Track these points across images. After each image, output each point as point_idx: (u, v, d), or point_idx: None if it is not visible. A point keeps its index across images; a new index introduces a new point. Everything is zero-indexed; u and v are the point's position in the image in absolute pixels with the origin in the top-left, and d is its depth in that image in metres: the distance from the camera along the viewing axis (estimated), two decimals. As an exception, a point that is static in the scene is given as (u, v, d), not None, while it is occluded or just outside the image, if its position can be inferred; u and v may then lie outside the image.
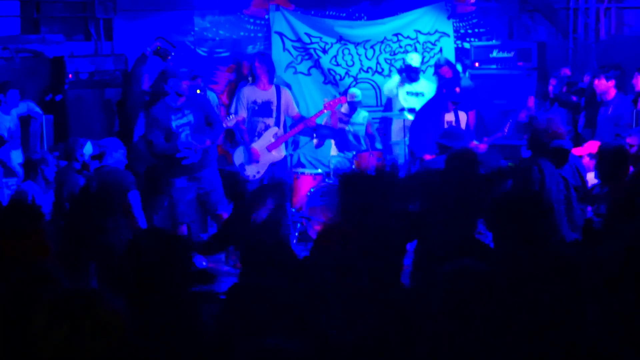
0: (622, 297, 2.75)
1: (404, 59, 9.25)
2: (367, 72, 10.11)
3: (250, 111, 7.83)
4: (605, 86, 7.68)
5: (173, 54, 8.49)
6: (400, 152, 9.17)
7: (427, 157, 7.35)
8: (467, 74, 9.42)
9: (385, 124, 9.62)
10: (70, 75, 8.77)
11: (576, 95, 8.33)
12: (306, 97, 9.94)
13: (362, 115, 9.24)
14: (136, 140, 7.61)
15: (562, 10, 9.76)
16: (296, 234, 8.17)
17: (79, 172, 6.71)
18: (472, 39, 9.95)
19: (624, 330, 2.67)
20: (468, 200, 5.51)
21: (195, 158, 7.15)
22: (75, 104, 8.81)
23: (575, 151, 6.33)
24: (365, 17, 10.16)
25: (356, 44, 10.05)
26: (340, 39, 10.02)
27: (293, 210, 8.29)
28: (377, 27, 10.07)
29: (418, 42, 9.98)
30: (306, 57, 10.06)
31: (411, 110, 8.85)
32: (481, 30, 10.03)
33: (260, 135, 7.83)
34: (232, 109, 8.00)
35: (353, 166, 8.60)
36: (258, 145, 7.79)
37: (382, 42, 10.03)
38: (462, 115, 8.10)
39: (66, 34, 9.65)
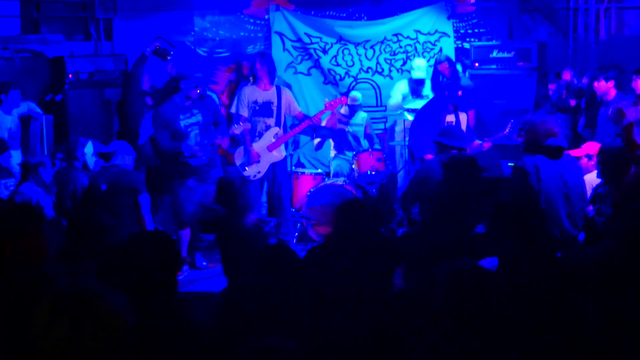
0: (616, 295, 2.75)
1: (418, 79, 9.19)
2: (367, 72, 10.11)
3: (251, 111, 7.83)
4: (605, 87, 7.68)
5: (172, 52, 8.50)
6: (400, 152, 9.20)
7: (428, 156, 7.35)
8: (467, 74, 9.42)
9: (393, 126, 9.62)
10: (70, 75, 8.77)
11: (574, 96, 8.32)
12: (306, 97, 9.94)
13: (360, 116, 9.24)
14: (143, 139, 7.60)
15: (562, 10, 9.75)
16: (296, 234, 8.18)
17: (82, 171, 6.73)
18: (472, 39, 9.94)
19: (621, 329, 2.67)
20: (467, 203, 5.52)
21: (204, 159, 7.18)
22: (75, 104, 8.81)
23: (573, 152, 6.33)
24: (365, 17, 10.16)
25: (356, 44, 10.05)
26: (340, 39, 10.02)
27: (293, 210, 8.30)
28: (377, 27, 10.07)
29: (418, 42, 9.99)
30: (306, 57, 10.06)
31: (411, 111, 8.86)
32: (481, 30, 10.03)
33: (260, 135, 7.85)
34: (233, 109, 8.00)
35: (353, 166, 8.61)
36: (258, 145, 7.80)
37: (382, 42, 10.03)
38: (463, 116, 8.10)
39: (66, 34, 9.64)
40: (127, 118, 8.43)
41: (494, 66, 9.30)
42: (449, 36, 9.96)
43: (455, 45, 9.92)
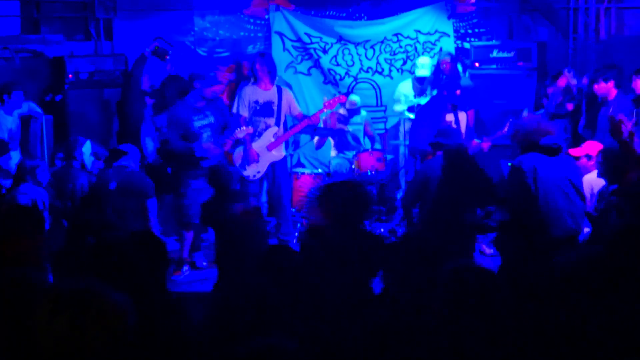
0: (613, 295, 2.75)
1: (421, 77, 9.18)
2: (367, 72, 10.11)
3: (252, 111, 7.83)
4: (606, 88, 7.67)
5: (170, 52, 8.51)
6: (401, 152, 9.20)
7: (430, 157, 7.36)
8: (467, 74, 9.41)
9: (393, 126, 9.62)
10: (70, 75, 8.77)
11: (572, 99, 8.29)
12: (306, 97, 9.94)
13: (360, 115, 9.25)
14: (143, 140, 7.61)
15: (562, 10, 9.75)
16: (296, 234, 8.17)
17: (81, 170, 6.73)
18: (472, 39, 9.94)
19: (619, 329, 2.67)
20: (465, 198, 5.52)
21: (215, 161, 7.20)
22: (75, 104, 8.81)
23: (573, 152, 6.33)
24: (365, 17, 10.16)
25: (356, 44, 10.05)
26: (341, 39, 10.02)
27: (293, 210, 8.30)
28: (377, 27, 10.07)
29: (418, 42, 9.99)
30: (306, 57, 10.06)
31: (411, 109, 8.86)
32: (481, 30, 10.03)
33: (260, 135, 7.84)
34: (234, 109, 8.00)
35: (353, 166, 8.61)
36: (258, 144, 7.80)
37: (382, 42, 10.03)
38: (462, 116, 8.10)
39: (66, 34, 9.64)
40: (127, 118, 8.44)
41: (494, 66, 9.30)
42: (449, 36, 9.96)
43: (455, 45, 9.92)
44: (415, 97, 9.04)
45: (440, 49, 9.82)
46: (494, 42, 9.73)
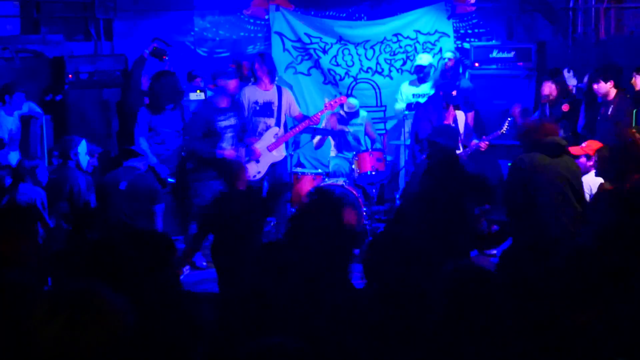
0: (607, 293, 2.75)
1: (419, 66, 9.22)
2: (367, 72, 10.11)
3: (252, 111, 7.84)
4: (605, 88, 7.67)
5: (168, 52, 8.51)
6: (401, 152, 9.21)
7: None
8: (467, 74, 9.42)
9: (397, 125, 9.62)
10: (70, 75, 8.76)
11: (567, 101, 8.29)
12: (306, 97, 9.94)
13: (360, 115, 9.24)
14: (137, 139, 7.60)
15: (562, 10, 9.75)
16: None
17: (78, 170, 6.72)
18: (472, 39, 9.94)
19: (615, 328, 2.67)
20: (451, 198, 5.52)
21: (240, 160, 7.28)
22: (75, 104, 8.81)
23: (573, 150, 6.34)
24: (365, 18, 10.16)
25: (356, 44, 10.05)
26: (340, 39, 10.02)
27: (293, 210, 8.30)
28: (377, 28, 10.07)
29: (418, 42, 9.99)
30: (306, 57, 10.06)
31: (409, 107, 8.90)
32: (481, 30, 10.03)
33: (261, 135, 7.85)
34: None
35: (353, 166, 8.61)
36: (259, 145, 7.80)
37: (382, 42, 10.03)
38: (461, 115, 8.11)
39: (66, 34, 9.64)
40: (127, 118, 8.44)
41: (493, 66, 9.31)
42: (449, 36, 9.96)
43: (455, 45, 9.92)
44: (419, 85, 9.06)
45: (440, 49, 9.83)
46: (493, 42, 9.74)
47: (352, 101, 9.16)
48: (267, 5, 9.95)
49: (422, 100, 8.79)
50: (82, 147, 6.77)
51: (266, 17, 9.99)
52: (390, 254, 3.20)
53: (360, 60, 10.07)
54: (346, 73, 10.08)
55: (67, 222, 6.54)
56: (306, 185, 8.47)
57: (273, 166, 7.92)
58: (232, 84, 7.33)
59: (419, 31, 9.98)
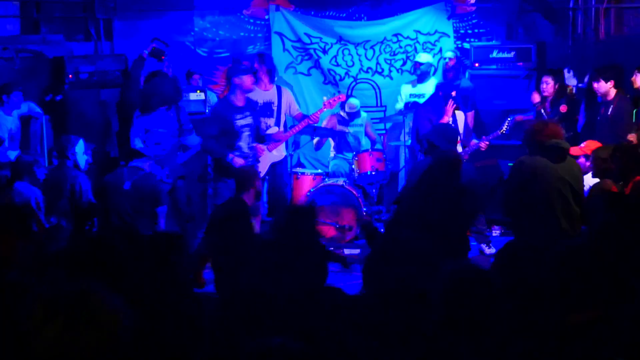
0: (603, 292, 2.75)
1: (416, 62, 9.24)
2: (367, 72, 10.12)
3: (252, 111, 7.85)
4: (605, 88, 7.67)
5: (167, 53, 8.52)
6: (400, 152, 9.22)
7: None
8: (467, 74, 9.42)
9: (394, 126, 9.63)
10: (70, 75, 8.76)
11: (566, 101, 8.29)
12: (306, 97, 9.95)
13: (360, 117, 9.25)
14: (133, 139, 7.61)
15: (562, 10, 9.74)
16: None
17: (76, 169, 6.72)
18: (472, 40, 9.94)
19: (611, 327, 2.67)
20: (451, 198, 5.51)
21: (252, 161, 7.39)
22: (75, 104, 8.81)
23: (573, 150, 6.34)
24: (365, 18, 10.16)
25: (356, 45, 10.06)
26: (340, 39, 10.02)
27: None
28: (377, 28, 10.07)
29: (418, 42, 9.99)
30: (306, 57, 10.07)
31: (407, 106, 8.92)
32: (481, 30, 10.02)
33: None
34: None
35: (353, 166, 8.62)
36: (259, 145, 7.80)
37: (382, 42, 10.03)
38: (460, 116, 8.11)
39: (66, 34, 9.64)
40: (126, 119, 8.44)
41: (493, 66, 9.31)
42: (449, 36, 9.96)
43: (455, 46, 9.92)
44: (416, 84, 9.07)
45: (440, 49, 9.83)
46: (493, 42, 9.73)
47: (353, 101, 9.17)
48: (267, 5, 9.96)
49: (420, 100, 8.81)
50: (80, 147, 6.77)
51: (266, 17, 9.99)
52: (390, 256, 3.19)
53: (360, 60, 10.07)
54: (346, 73, 10.08)
55: (68, 220, 6.55)
56: (306, 185, 8.49)
57: (273, 166, 7.92)
58: (247, 80, 7.31)
59: (419, 31, 9.98)
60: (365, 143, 9.23)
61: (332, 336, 2.98)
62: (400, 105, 9.19)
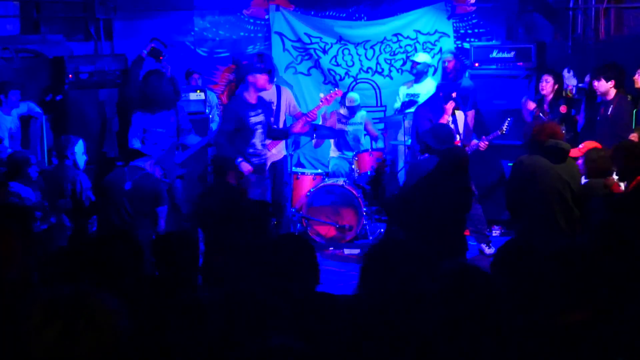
0: (601, 292, 2.75)
1: (413, 62, 9.25)
2: (367, 72, 10.12)
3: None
4: (605, 87, 7.66)
5: (165, 53, 8.51)
6: (400, 152, 9.22)
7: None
8: (467, 74, 9.42)
9: (392, 125, 9.63)
10: (70, 75, 8.76)
11: (566, 102, 8.28)
12: (306, 97, 9.95)
13: (360, 115, 9.26)
14: (131, 139, 7.61)
15: (562, 10, 9.74)
16: (296, 234, 8.18)
17: (76, 169, 6.72)
18: (472, 39, 9.94)
19: (608, 326, 2.67)
20: (456, 200, 5.51)
21: (264, 159, 7.41)
22: (75, 104, 8.80)
23: (572, 151, 6.35)
24: (365, 18, 10.16)
25: (356, 44, 10.06)
26: (340, 39, 10.02)
27: (293, 210, 8.31)
28: (377, 28, 10.07)
29: (418, 42, 9.99)
30: (306, 57, 10.07)
31: (404, 104, 8.94)
32: (481, 30, 10.02)
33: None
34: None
35: (353, 166, 8.62)
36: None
37: (382, 42, 10.04)
38: (460, 115, 8.10)
39: (66, 34, 9.64)
40: (125, 118, 8.44)
41: (493, 66, 9.30)
42: (449, 36, 9.96)
43: (455, 45, 9.92)
44: (413, 84, 9.08)
45: (440, 49, 9.83)
46: (493, 42, 9.73)
47: (353, 95, 9.19)
48: (267, 5, 9.96)
49: (416, 100, 8.83)
50: (79, 147, 6.77)
51: (266, 17, 10.00)
52: (387, 257, 3.20)
53: (360, 60, 10.08)
54: (346, 73, 10.08)
55: (69, 218, 6.55)
56: (306, 185, 8.49)
57: (274, 165, 7.92)
58: (261, 79, 7.30)
59: (419, 31, 9.98)
60: (365, 142, 9.23)
61: (330, 337, 2.98)
62: (397, 104, 9.21)
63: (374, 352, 2.93)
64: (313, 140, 9.00)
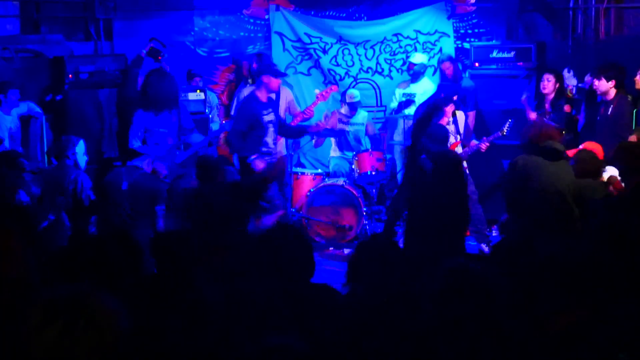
0: (601, 292, 2.75)
1: (410, 63, 9.28)
2: (367, 72, 10.12)
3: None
4: (605, 86, 7.66)
5: (164, 52, 8.52)
6: (395, 152, 9.23)
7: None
8: (467, 74, 9.42)
9: (390, 125, 9.64)
10: (70, 75, 8.77)
11: (569, 101, 8.28)
12: (306, 97, 9.94)
13: (361, 115, 9.26)
14: (131, 140, 7.60)
15: (562, 10, 9.74)
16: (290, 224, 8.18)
17: (77, 169, 6.72)
18: (472, 39, 9.94)
19: (607, 327, 2.67)
20: (453, 200, 5.52)
21: (276, 158, 7.47)
22: (75, 104, 8.81)
23: (571, 154, 6.35)
24: (365, 18, 10.16)
25: (356, 44, 10.06)
26: (340, 39, 10.02)
27: (293, 210, 8.31)
28: (377, 28, 10.07)
29: (418, 42, 9.99)
30: (306, 57, 10.07)
31: (400, 104, 8.94)
32: (481, 30, 10.02)
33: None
34: (233, 110, 8.02)
35: (353, 166, 8.62)
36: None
37: (382, 42, 10.03)
38: (461, 116, 8.10)
39: (66, 34, 9.64)
40: (125, 118, 8.44)
41: (494, 66, 9.30)
42: (449, 36, 9.96)
43: (455, 45, 9.92)
44: (410, 83, 9.08)
45: (440, 49, 9.83)
46: (493, 42, 9.73)
47: (353, 91, 9.21)
48: (267, 5, 9.96)
49: (415, 99, 8.83)
50: (80, 147, 6.77)
51: (266, 17, 10.00)
52: (376, 256, 3.21)
53: (360, 60, 10.08)
54: (346, 73, 10.08)
55: (69, 217, 6.54)
56: (306, 185, 8.49)
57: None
58: (275, 82, 7.44)
59: (419, 31, 9.98)
60: (366, 143, 9.23)
61: (326, 337, 2.98)
62: (394, 104, 9.22)
63: (372, 350, 2.93)
64: (313, 140, 9.00)
